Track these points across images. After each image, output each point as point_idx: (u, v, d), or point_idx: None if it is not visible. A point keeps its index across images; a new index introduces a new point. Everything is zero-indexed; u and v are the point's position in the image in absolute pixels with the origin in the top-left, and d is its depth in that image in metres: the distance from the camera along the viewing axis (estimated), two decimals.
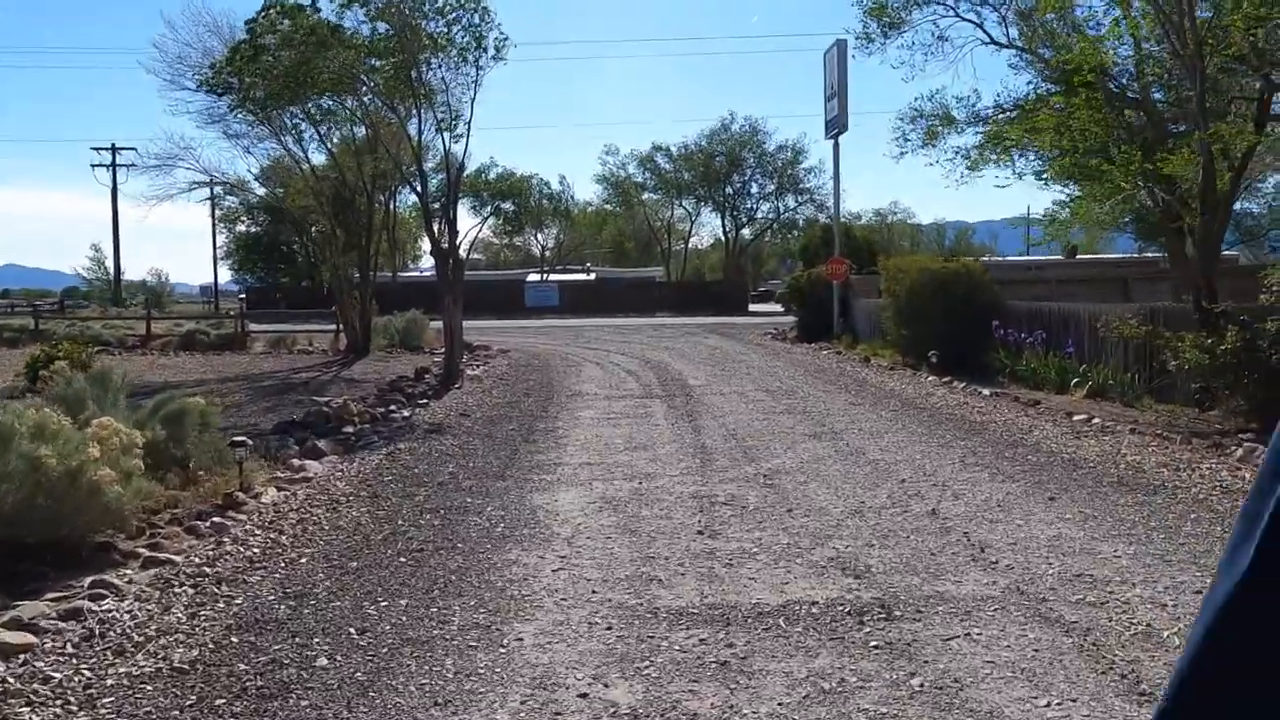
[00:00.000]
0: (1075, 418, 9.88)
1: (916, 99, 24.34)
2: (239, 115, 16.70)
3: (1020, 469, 7.46)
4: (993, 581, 4.57)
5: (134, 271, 69.06)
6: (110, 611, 4.09)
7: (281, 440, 8.79)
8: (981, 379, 13.41)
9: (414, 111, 15.67)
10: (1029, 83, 23.54)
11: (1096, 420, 9.62)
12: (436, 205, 18.19)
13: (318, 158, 22.77)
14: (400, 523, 5.75)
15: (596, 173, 59.66)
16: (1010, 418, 10.29)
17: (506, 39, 15.00)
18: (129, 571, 4.71)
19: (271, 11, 14.29)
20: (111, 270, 52.22)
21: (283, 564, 4.86)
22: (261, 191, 21.82)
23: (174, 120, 51.80)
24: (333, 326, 24.12)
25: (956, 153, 24.47)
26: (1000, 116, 24.34)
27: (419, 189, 15.86)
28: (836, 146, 24.40)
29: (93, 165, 50.75)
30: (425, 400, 12.36)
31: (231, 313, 26.85)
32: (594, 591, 4.49)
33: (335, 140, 21.09)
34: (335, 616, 4.11)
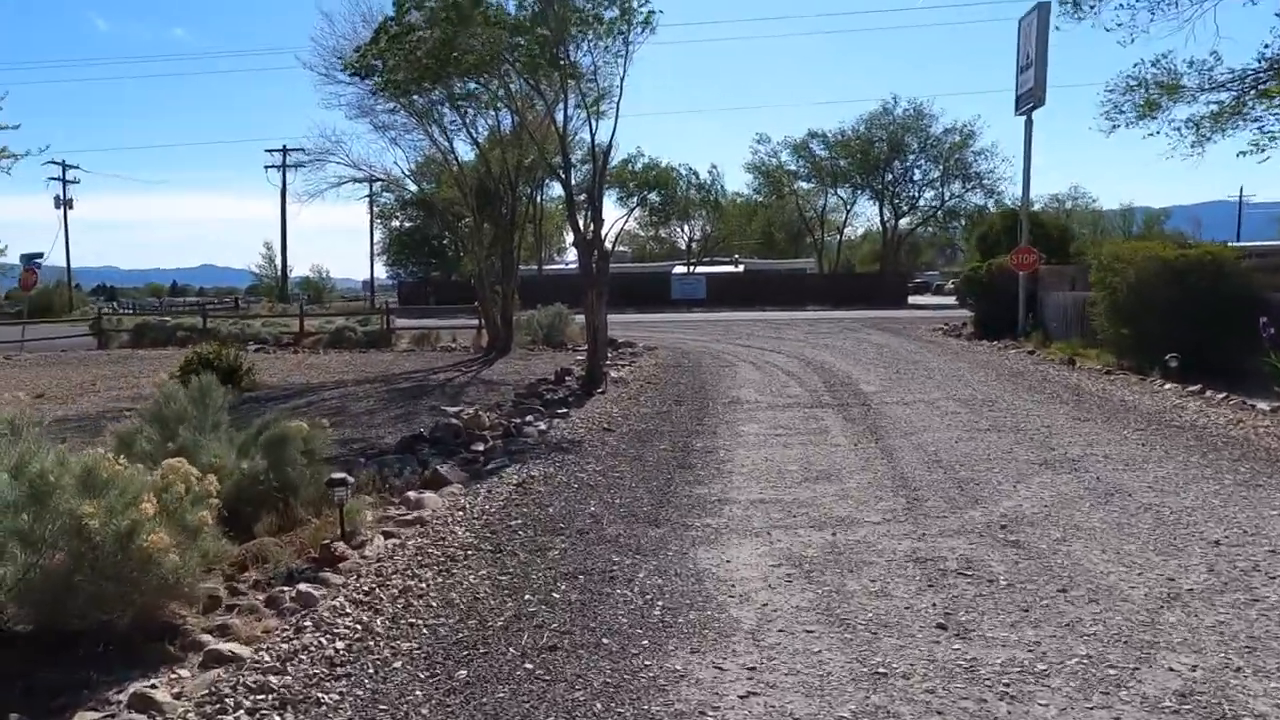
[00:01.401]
0: None
1: (1136, 64, 21.13)
2: (383, 101, 16.10)
3: None
4: None
5: (300, 268, 73.00)
6: None
7: (403, 461, 7.71)
8: (1244, 388, 10.83)
9: (560, 92, 14.56)
10: None
11: None
12: (582, 197, 17.11)
13: (463, 148, 22.24)
14: (528, 597, 4.38)
15: (747, 161, 57.58)
16: None
17: (655, 11, 13.61)
18: (184, 672, 3.56)
19: None
20: (279, 268, 54.95)
21: (370, 669, 3.57)
22: (411, 185, 21.45)
23: (328, 115, 53.25)
24: (477, 322, 23.64)
25: (1187, 123, 21.14)
26: (1244, 82, 20.78)
27: (563, 175, 14.69)
28: (1029, 123, 21.58)
29: (266, 167, 53.59)
30: (565, 410, 11.13)
31: (386, 308, 26.90)
32: None
33: (481, 130, 20.45)
34: None
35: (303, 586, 4.28)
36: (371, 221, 53.01)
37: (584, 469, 7.56)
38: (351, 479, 5.18)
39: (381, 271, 59.92)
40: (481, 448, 8.72)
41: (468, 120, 19.70)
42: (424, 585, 4.49)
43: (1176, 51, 39.57)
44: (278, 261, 56.09)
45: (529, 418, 10.64)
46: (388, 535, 5.35)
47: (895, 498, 6.33)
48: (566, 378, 14.55)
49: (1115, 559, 4.79)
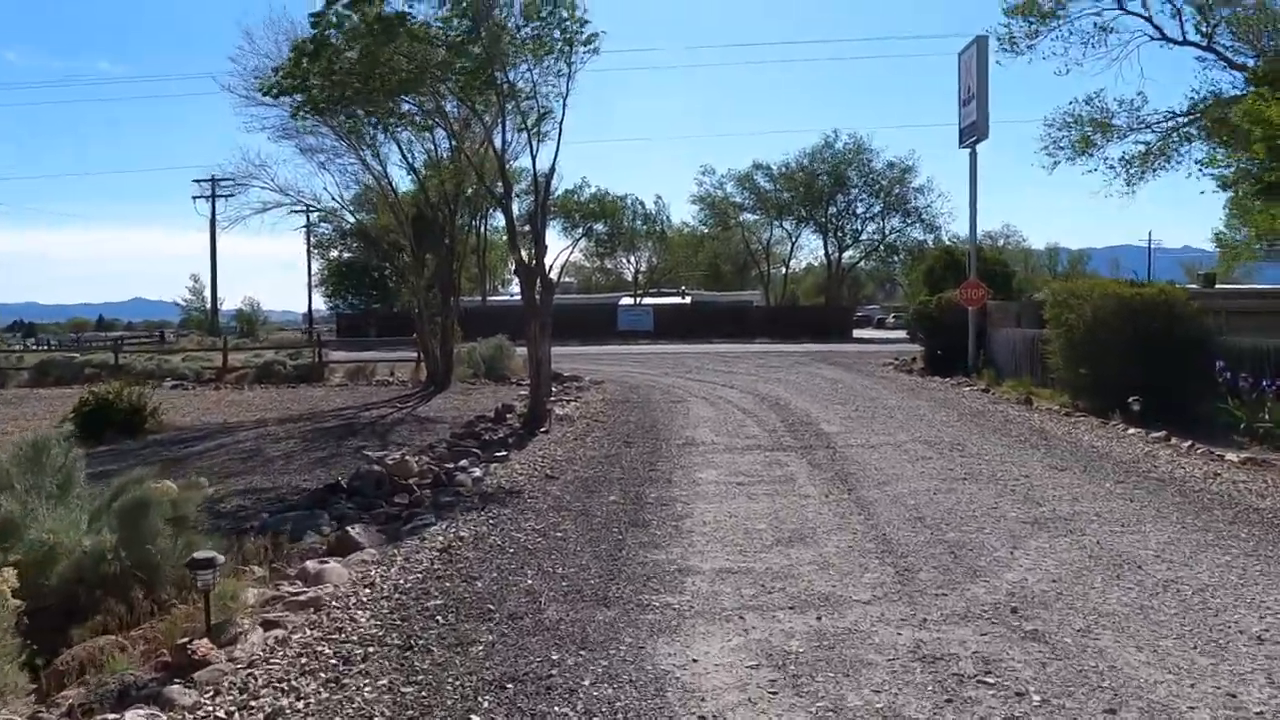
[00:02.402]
0: None
1: (1071, 102, 21.34)
2: (304, 122, 14.99)
3: None
4: None
5: (233, 300, 70.26)
6: None
7: (310, 519, 6.63)
8: (1204, 434, 10.37)
9: (498, 114, 13.69)
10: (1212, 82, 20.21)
11: None
12: (527, 228, 16.19)
13: (399, 175, 21.15)
14: None
15: (693, 193, 57.44)
16: None
17: (598, 33, 12.89)
18: None
19: (338, 5, 12.52)
20: (209, 300, 52.60)
21: None
22: (343, 212, 20.28)
23: (250, 139, 51.71)
24: (416, 355, 22.41)
25: (1120, 161, 21.27)
26: (1169, 123, 21.02)
27: (504, 201, 13.76)
28: (974, 155, 21.35)
29: (194, 197, 51.45)
30: (504, 452, 10.12)
31: (318, 341, 25.43)
32: None
33: (418, 156, 19.43)
34: None
35: (133, 715, 3.21)
36: (309, 252, 51.17)
37: (522, 527, 6.57)
38: (221, 558, 4.11)
39: (321, 303, 57.97)
40: (406, 500, 7.68)
41: (403, 145, 18.70)
42: (302, 706, 3.45)
43: (1108, 90, 40.64)
44: (208, 294, 53.70)
45: (463, 462, 9.61)
46: (270, 625, 4.29)
47: (882, 566, 5.48)
48: (507, 415, 13.52)
49: (1156, 661, 3.99)
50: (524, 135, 13.62)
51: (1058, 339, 14.26)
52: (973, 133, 20.95)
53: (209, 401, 17.88)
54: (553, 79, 13.58)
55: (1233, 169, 19.51)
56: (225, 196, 45.86)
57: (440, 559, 5.69)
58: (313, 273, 54.09)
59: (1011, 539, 6.12)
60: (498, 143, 14.03)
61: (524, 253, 13.53)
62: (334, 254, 50.58)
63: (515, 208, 14.24)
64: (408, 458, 9.03)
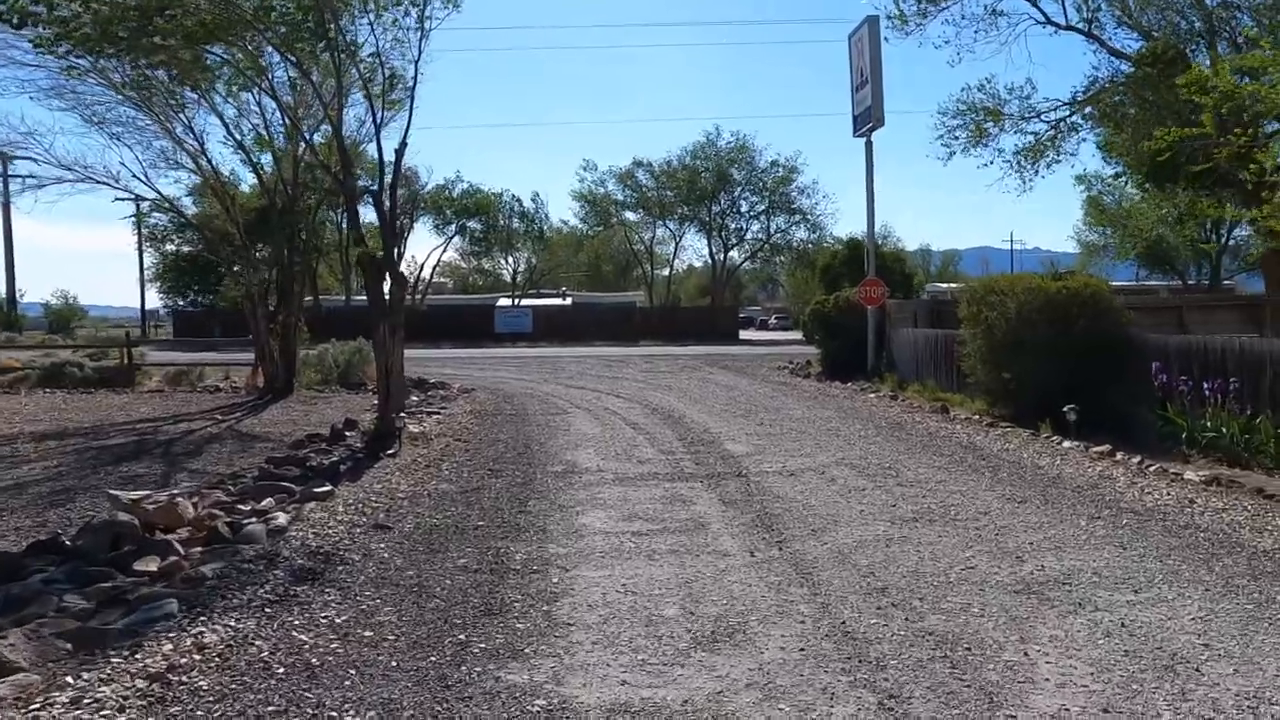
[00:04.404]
0: None
1: (964, 89, 20.60)
2: (69, 72, 11.93)
3: None
4: None
5: (37, 293, 62.86)
6: None
7: None
8: (1145, 447, 9.24)
9: (333, 74, 11.29)
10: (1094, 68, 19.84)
11: None
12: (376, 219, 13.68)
13: (222, 151, 18.20)
14: None
15: (574, 189, 55.47)
16: None
17: None
18: None
19: None
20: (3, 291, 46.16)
21: None
22: (150, 195, 17.03)
23: (12, 104, 45.47)
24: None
25: (1015, 153, 20.65)
26: (1057, 111, 20.57)
27: (340, 178, 11.32)
28: (869, 145, 20.21)
29: None
30: (330, 485, 7.80)
31: (127, 339, 21.78)
32: None
33: (245, 132, 16.56)
34: None
35: None
36: (140, 243, 45.90)
37: (315, 620, 4.39)
38: None
39: (157, 300, 52.53)
40: (152, 568, 5.32)
41: (227, 120, 15.84)
42: None
43: (998, 77, 41.22)
44: (1, 284, 47.21)
45: (268, 501, 7.26)
46: None
47: (855, 691, 3.63)
48: (349, 432, 11.13)
49: None
50: (368, 103, 11.26)
51: (974, 340, 13.02)
52: (868, 119, 19.81)
53: None
54: (402, 34, 11.34)
55: (1129, 154, 19.12)
56: (27, 177, 40.31)
57: (142, 697, 3.46)
58: (145, 267, 48.81)
59: (1012, 623, 4.41)
60: (335, 110, 11.62)
61: (367, 236, 11.18)
62: (170, 247, 45.69)
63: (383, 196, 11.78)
64: (179, 499, 6.63)
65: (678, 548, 5.87)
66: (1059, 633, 4.29)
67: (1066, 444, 9.96)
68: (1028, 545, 5.86)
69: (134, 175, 15.88)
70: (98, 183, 14.99)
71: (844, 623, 4.40)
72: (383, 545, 5.94)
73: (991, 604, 4.69)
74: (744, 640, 4.19)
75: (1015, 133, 20.23)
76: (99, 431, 11.78)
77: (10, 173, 35.25)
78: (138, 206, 25.06)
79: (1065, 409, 10.49)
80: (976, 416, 12.62)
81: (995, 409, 12.69)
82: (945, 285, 47.40)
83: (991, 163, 20.28)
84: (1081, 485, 7.86)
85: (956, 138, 20.44)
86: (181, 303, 48.25)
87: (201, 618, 4.30)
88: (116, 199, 17.18)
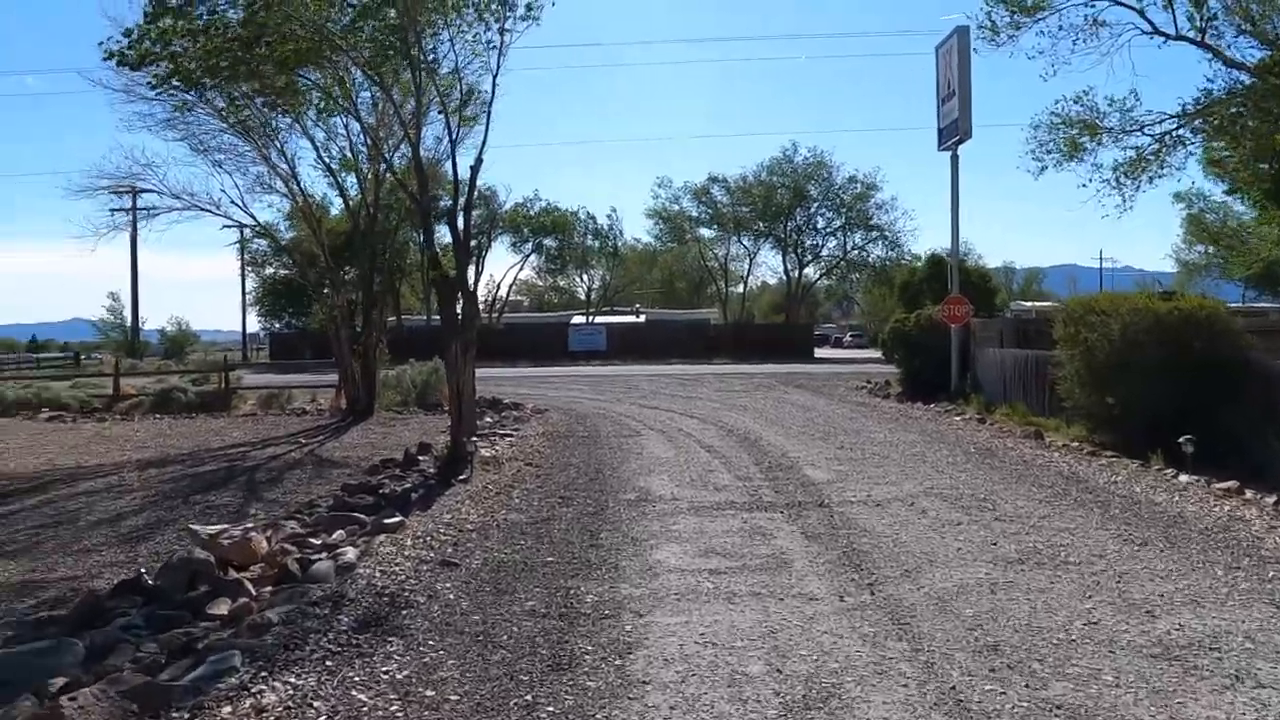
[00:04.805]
0: None
1: (1058, 101, 19.49)
2: (174, 99, 12.33)
3: None
4: None
5: (157, 320, 65.90)
6: None
7: (48, 655, 4.13)
8: (1269, 480, 8.36)
9: (414, 93, 11.28)
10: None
11: None
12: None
13: (311, 174, 18.55)
14: None
15: (648, 206, 55.41)
16: None
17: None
18: None
19: None
20: (129, 318, 48.66)
21: None
22: (242, 216, 17.49)
23: (134, 138, 47.66)
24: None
25: (1114, 169, 19.47)
26: (1162, 125, 19.34)
27: (418, 197, 11.28)
28: (955, 159, 19.43)
29: (111, 210, 47.58)
30: (399, 516, 7.61)
31: (225, 364, 22.44)
32: None
33: (334, 155, 16.87)
34: None
35: None
36: (243, 268, 47.78)
37: (375, 680, 4.10)
38: None
39: (255, 324, 54.55)
40: (223, 610, 5.18)
41: (317, 142, 16.17)
42: None
43: (1097, 88, 39.20)
44: (128, 313, 49.69)
45: (339, 533, 7.12)
46: None
47: None
48: (422, 456, 11.03)
49: None
50: (450, 124, 11.23)
51: (1072, 361, 12.20)
52: (954, 132, 19.05)
53: (80, 437, 15.04)
54: (482, 52, 11.28)
55: (1247, 169, 17.84)
56: (148, 210, 42.36)
57: None
58: (247, 291, 50.76)
59: (1156, 697, 3.84)
60: (413, 130, 11.62)
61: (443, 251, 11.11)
62: (268, 271, 47.37)
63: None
64: (253, 534, 6.51)
65: (759, 589, 5.44)
66: (1219, 715, 3.70)
67: (1184, 478, 9.11)
68: (1157, 597, 5.23)
69: (232, 202, 16.39)
70: (202, 209, 15.52)
71: (954, 688, 3.91)
72: (449, 585, 5.67)
73: (1126, 670, 4.12)
74: (840, 708, 3.74)
75: (1115, 146, 19.08)
76: (195, 457, 11.99)
77: (149, 209, 37.16)
78: (241, 233, 25.93)
79: (1181, 440, 9.62)
80: (1075, 443, 11.78)
81: (1096, 435, 11.85)
82: (1029, 304, 45.56)
83: (1090, 181, 19.11)
84: (1209, 527, 7.11)
85: (1049, 151, 19.40)
86: (277, 325, 49.87)
87: (263, 673, 4.06)
88: (224, 226, 17.67)
